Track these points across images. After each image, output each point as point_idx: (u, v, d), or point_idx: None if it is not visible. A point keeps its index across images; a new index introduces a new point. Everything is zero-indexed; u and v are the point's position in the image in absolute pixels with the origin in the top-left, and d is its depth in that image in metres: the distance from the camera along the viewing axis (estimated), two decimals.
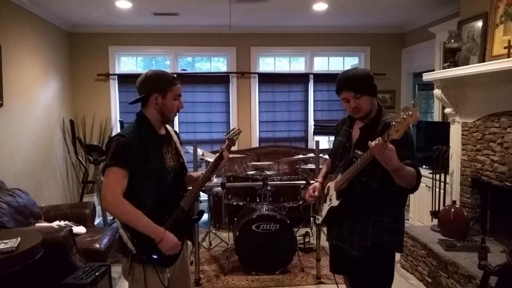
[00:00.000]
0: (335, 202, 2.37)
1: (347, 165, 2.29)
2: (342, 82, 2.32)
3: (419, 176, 2.20)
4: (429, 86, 5.56)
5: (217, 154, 2.44)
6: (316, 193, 2.55)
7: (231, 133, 2.57)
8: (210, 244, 5.05)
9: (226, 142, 2.51)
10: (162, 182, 2.20)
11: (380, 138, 1.96)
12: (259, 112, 6.88)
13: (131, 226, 2.08)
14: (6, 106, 4.44)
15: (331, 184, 2.46)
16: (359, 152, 2.16)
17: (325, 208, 2.50)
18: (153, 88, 2.19)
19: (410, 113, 1.89)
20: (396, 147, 2.06)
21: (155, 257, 2.13)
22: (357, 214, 2.31)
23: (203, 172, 2.45)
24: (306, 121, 6.99)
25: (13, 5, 4.66)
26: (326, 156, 5.05)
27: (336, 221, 2.45)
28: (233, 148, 2.62)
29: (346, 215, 2.36)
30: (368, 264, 2.31)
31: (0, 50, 4.30)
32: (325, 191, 2.54)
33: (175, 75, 2.31)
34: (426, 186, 4.78)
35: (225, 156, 2.41)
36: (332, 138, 6.89)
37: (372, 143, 1.98)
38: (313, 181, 2.73)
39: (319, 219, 2.59)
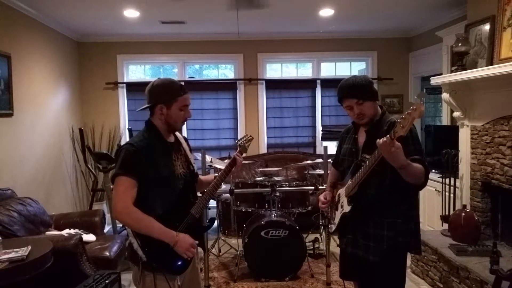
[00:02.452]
0: (347, 208, 2.37)
1: (356, 169, 2.29)
2: (343, 91, 2.36)
3: (427, 171, 2.21)
4: (437, 90, 5.54)
5: (229, 160, 2.45)
6: (328, 198, 2.56)
7: (242, 140, 2.59)
8: (220, 250, 5.05)
9: (238, 149, 2.53)
10: (172, 190, 2.21)
11: (387, 136, 1.98)
12: (267, 118, 6.89)
13: (144, 233, 2.09)
14: (16, 116, 4.49)
15: (342, 191, 2.46)
16: (367, 156, 2.17)
17: (338, 215, 2.50)
18: (158, 99, 2.20)
19: (415, 107, 1.90)
20: (403, 144, 2.09)
21: (180, 263, 2.16)
22: (370, 218, 2.32)
23: (215, 175, 2.46)
24: (314, 127, 6.98)
25: (22, 15, 4.72)
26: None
27: (349, 228, 2.45)
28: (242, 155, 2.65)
29: (359, 220, 2.36)
30: (384, 268, 2.30)
31: (10, 60, 4.36)
32: (336, 198, 2.54)
33: (181, 81, 2.32)
34: (435, 190, 4.75)
35: (239, 162, 2.43)
36: None
37: (380, 141, 2.00)
38: (322, 187, 2.73)
39: (332, 228, 2.58)
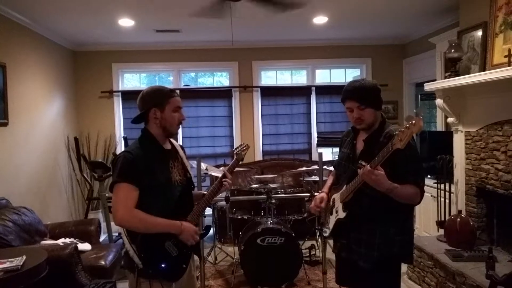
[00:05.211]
0: (342, 214, 2.37)
1: (351, 176, 2.29)
2: (348, 92, 2.33)
3: (422, 193, 2.22)
4: (431, 96, 5.57)
5: (217, 182, 2.47)
6: (323, 205, 2.54)
7: (239, 148, 2.61)
8: (216, 258, 5.03)
9: (235, 157, 2.55)
10: (169, 197, 2.22)
11: (367, 165, 2.07)
12: (262, 125, 6.90)
13: (151, 231, 2.11)
14: (11, 125, 4.48)
15: (336, 196, 2.46)
16: (363, 163, 2.16)
17: (332, 220, 2.49)
18: (150, 103, 2.22)
19: (413, 122, 1.92)
20: (400, 162, 2.13)
21: (164, 266, 2.15)
22: (363, 225, 2.31)
23: (205, 192, 2.49)
24: (309, 133, 6.99)
25: (17, 25, 4.73)
26: (331, 168, 5.05)
27: (343, 233, 2.45)
28: None
29: (352, 226, 2.35)
30: (376, 276, 2.30)
31: (5, 70, 4.36)
32: (331, 203, 2.54)
33: (177, 89, 2.35)
34: (431, 196, 4.76)
35: (225, 187, 2.46)
36: (335, 149, 6.93)
37: (360, 171, 2.10)
38: (318, 193, 2.72)
39: (327, 232, 2.57)
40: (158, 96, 2.23)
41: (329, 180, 2.71)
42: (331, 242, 2.71)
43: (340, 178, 2.52)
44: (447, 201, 4.43)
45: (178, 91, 2.36)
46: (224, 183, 2.45)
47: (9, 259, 2.78)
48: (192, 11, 4.55)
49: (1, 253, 2.97)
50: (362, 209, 2.29)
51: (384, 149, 2.04)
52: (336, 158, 2.71)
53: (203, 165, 4.46)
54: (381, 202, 2.21)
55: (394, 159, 2.07)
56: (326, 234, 2.59)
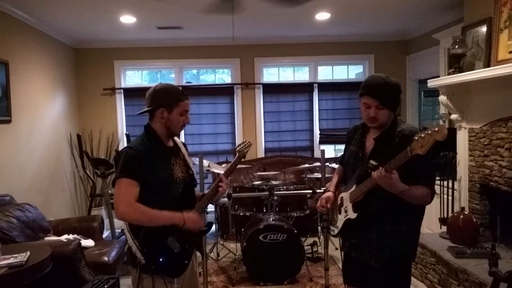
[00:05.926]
0: (353, 215, 2.30)
1: (363, 176, 2.21)
2: (370, 88, 2.20)
3: (433, 193, 2.18)
4: (435, 92, 5.54)
5: (213, 186, 2.45)
6: (329, 205, 2.48)
7: (241, 145, 2.61)
8: (218, 255, 5.04)
9: (237, 155, 2.55)
10: (170, 194, 2.23)
11: (382, 168, 2.00)
12: (264, 122, 6.89)
13: (154, 224, 2.12)
14: (14, 122, 4.49)
15: (345, 195, 2.38)
16: (374, 163, 2.09)
17: (341, 219, 2.43)
18: (160, 103, 2.22)
19: (437, 129, 1.82)
20: (413, 164, 2.01)
21: (166, 261, 2.16)
22: (374, 225, 2.26)
23: (203, 193, 2.48)
24: (311, 130, 6.98)
25: (19, 22, 4.72)
26: (333, 165, 5.02)
27: (352, 232, 2.38)
28: None
29: (363, 226, 2.29)
30: (387, 276, 2.26)
31: (8, 67, 4.36)
32: (339, 201, 2.46)
33: (178, 86, 2.33)
34: None
35: (222, 190, 2.44)
36: (338, 146, 6.95)
37: (375, 174, 2.03)
38: (320, 190, 2.69)
39: (335, 231, 2.51)
40: (169, 97, 2.23)
41: (335, 178, 2.63)
42: (333, 239, 2.69)
43: (348, 176, 2.44)
44: (450, 198, 4.42)
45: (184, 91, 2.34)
46: (219, 188, 2.44)
47: (13, 255, 2.79)
48: (198, 8, 4.52)
49: (5, 249, 2.97)
50: (373, 209, 2.23)
51: (401, 154, 1.95)
52: (341, 154, 2.63)
53: (205, 162, 4.46)
54: (392, 203, 2.15)
55: (407, 160, 2.00)
56: (334, 233, 2.53)
